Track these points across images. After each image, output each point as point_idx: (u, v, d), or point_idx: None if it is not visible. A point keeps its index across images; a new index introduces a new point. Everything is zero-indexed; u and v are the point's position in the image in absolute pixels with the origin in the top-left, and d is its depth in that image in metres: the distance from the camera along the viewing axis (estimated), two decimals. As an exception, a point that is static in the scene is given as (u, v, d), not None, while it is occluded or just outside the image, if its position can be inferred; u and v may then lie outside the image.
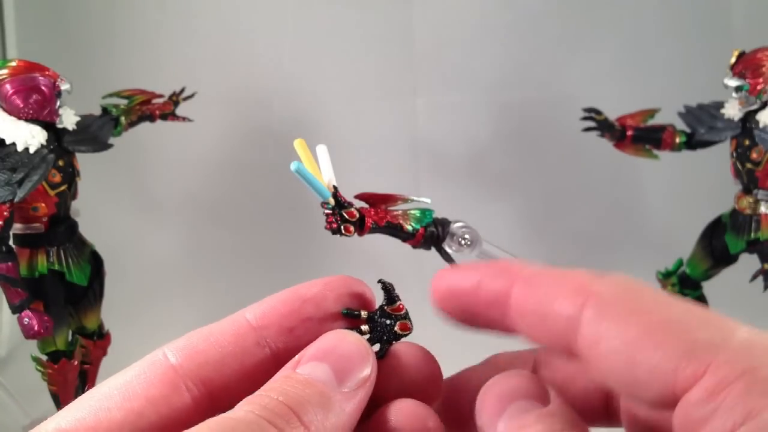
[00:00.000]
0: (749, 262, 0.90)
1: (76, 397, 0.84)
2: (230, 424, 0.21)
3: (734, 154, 0.88)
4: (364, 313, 0.28)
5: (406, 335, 0.28)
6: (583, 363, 0.23)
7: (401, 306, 0.29)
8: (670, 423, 0.22)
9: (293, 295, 0.27)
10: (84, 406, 0.23)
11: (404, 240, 0.66)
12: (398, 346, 0.28)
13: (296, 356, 0.25)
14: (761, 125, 0.82)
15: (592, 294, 0.24)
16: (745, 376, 0.19)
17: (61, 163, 0.78)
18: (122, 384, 0.24)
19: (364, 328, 0.28)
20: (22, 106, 0.74)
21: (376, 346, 0.28)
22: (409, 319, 0.29)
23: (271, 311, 0.26)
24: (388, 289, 0.29)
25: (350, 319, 0.28)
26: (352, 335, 0.26)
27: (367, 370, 0.25)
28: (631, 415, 0.26)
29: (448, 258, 0.70)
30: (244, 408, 0.22)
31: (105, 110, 0.88)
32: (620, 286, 0.24)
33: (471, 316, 0.27)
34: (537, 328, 0.25)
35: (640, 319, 0.22)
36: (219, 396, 0.25)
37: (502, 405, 0.24)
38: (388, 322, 0.28)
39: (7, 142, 0.73)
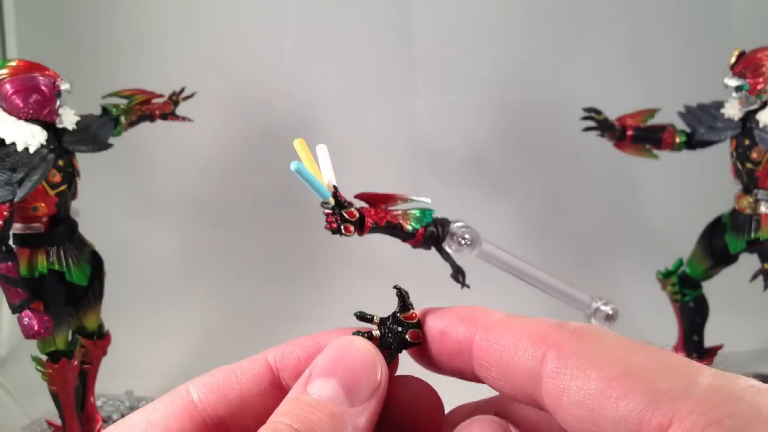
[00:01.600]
0: (749, 262, 0.90)
1: (76, 397, 0.84)
2: None
3: (734, 154, 0.88)
4: (377, 318, 0.29)
5: (416, 344, 0.28)
6: (551, 414, 0.23)
7: (414, 314, 0.29)
8: None
9: (311, 342, 0.27)
10: None
11: (404, 240, 0.66)
12: (404, 379, 0.27)
13: (307, 370, 0.25)
14: (761, 125, 0.82)
15: (552, 345, 0.23)
16: (711, 428, 0.19)
17: (61, 162, 0.78)
18: (145, 417, 0.25)
19: (376, 333, 0.28)
20: (22, 106, 0.74)
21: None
22: (421, 329, 0.28)
23: (290, 354, 0.27)
24: (402, 296, 0.29)
25: (363, 322, 0.29)
26: (359, 341, 0.26)
27: (377, 377, 0.25)
28: None
29: (447, 258, 0.70)
30: None
31: (105, 110, 0.88)
32: (579, 335, 0.23)
33: (438, 364, 0.28)
34: (501, 381, 0.25)
35: (601, 371, 0.22)
36: (236, 431, 0.26)
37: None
38: (399, 329, 0.28)
39: (7, 142, 0.73)
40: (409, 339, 0.28)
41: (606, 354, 0.22)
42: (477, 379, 0.27)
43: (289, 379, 0.26)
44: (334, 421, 0.23)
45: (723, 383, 0.20)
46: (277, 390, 0.26)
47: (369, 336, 0.28)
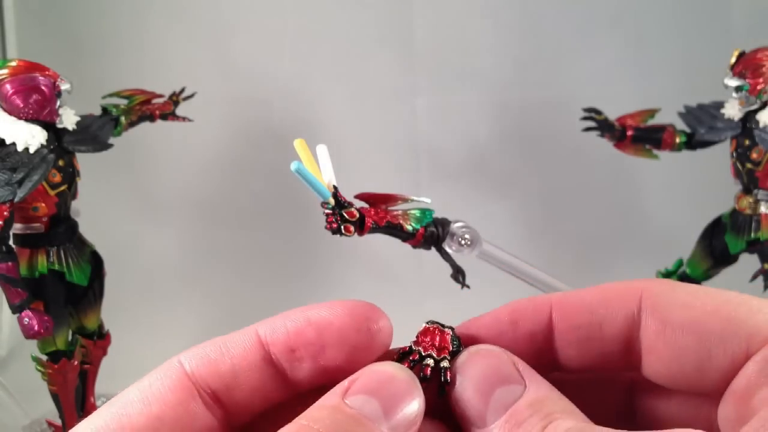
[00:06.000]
0: (749, 262, 0.90)
1: (76, 397, 0.84)
2: None
3: (734, 154, 0.88)
4: (430, 361, 0.26)
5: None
6: (644, 356, 0.24)
7: None
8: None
9: (301, 316, 0.26)
10: (106, 414, 0.24)
11: (404, 240, 0.66)
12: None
13: (345, 381, 0.24)
14: (761, 125, 0.82)
15: (644, 289, 0.24)
16: None
17: (61, 163, 0.78)
18: (141, 391, 0.24)
19: (429, 361, 0.26)
20: (22, 106, 0.74)
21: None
22: None
23: (279, 328, 0.26)
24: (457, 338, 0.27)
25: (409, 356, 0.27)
26: (404, 372, 0.25)
27: (416, 408, 0.24)
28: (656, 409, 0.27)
29: (447, 258, 0.70)
30: None
31: (105, 110, 0.88)
32: (662, 281, 0.25)
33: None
34: (588, 341, 0.25)
35: (698, 303, 0.23)
36: (229, 407, 0.25)
37: (485, 397, 0.24)
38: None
39: (7, 142, 0.73)
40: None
41: (694, 291, 0.24)
42: (549, 361, 0.26)
43: (279, 354, 0.26)
44: None
45: None
46: (267, 365, 0.26)
47: (417, 362, 0.26)
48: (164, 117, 0.95)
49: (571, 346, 0.26)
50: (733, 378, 0.22)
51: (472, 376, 0.24)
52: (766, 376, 0.21)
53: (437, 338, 0.26)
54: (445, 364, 0.26)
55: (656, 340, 0.24)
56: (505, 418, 0.23)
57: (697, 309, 0.23)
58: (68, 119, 0.79)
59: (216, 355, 0.25)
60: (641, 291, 0.24)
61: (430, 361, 0.26)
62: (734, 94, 0.85)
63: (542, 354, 0.26)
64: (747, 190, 0.88)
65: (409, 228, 0.64)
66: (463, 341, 0.27)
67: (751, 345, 0.22)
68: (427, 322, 0.27)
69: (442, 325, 0.27)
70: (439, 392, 0.25)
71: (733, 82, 0.84)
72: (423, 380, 0.25)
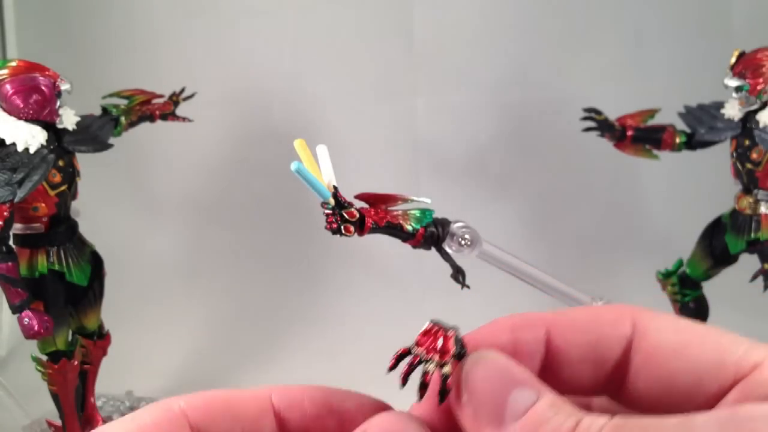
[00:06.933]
0: (749, 262, 0.90)
1: (76, 397, 0.84)
2: None
3: (734, 154, 0.88)
4: (430, 367, 0.25)
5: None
6: (630, 378, 0.25)
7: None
8: None
9: (323, 399, 0.26)
10: None
11: (404, 240, 0.66)
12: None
13: (358, 430, 0.24)
14: (761, 125, 0.82)
15: (636, 311, 0.25)
16: None
17: (61, 163, 0.78)
18: (136, 429, 0.23)
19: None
20: (22, 106, 0.74)
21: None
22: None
23: (297, 404, 0.25)
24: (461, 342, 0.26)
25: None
26: (412, 425, 0.24)
27: None
28: None
29: (447, 258, 0.70)
30: None
31: (105, 110, 0.88)
32: (646, 309, 0.25)
33: None
34: (584, 360, 0.25)
35: (687, 328, 0.24)
36: None
37: (501, 397, 0.23)
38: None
39: (7, 142, 0.73)
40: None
41: (676, 319, 0.25)
42: (546, 379, 0.26)
43: (292, 429, 0.25)
44: None
45: None
46: None
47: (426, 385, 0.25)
48: (164, 117, 0.95)
49: (564, 367, 0.25)
50: (718, 402, 0.23)
51: (485, 378, 0.24)
52: (754, 400, 0.21)
53: (440, 340, 0.25)
54: (446, 369, 0.24)
55: (647, 362, 0.24)
56: (528, 415, 0.22)
57: (686, 335, 0.24)
58: (68, 119, 0.79)
59: (223, 414, 0.24)
60: (631, 314, 0.25)
61: (431, 367, 0.25)
62: (734, 94, 0.85)
63: (538, 369, 0.26)
64: (747, 190, 0.88)
65: (409, 228, 0.64)
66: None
67: (738, 371, 0.22)
68: (431, 321, 0.26)
69: (446, 326, 0.26)
70: (439, 399, 0.24)
71: (733, 82, 0.84)
72: (422, 387, 0.24)
